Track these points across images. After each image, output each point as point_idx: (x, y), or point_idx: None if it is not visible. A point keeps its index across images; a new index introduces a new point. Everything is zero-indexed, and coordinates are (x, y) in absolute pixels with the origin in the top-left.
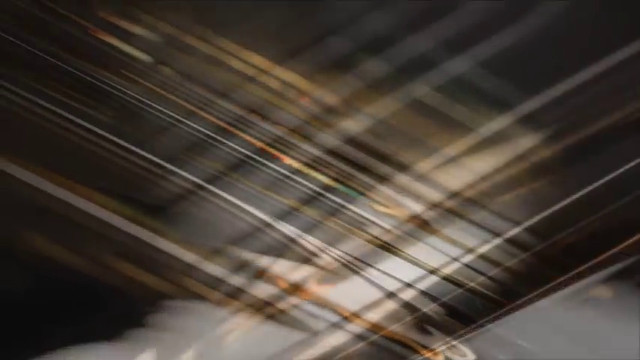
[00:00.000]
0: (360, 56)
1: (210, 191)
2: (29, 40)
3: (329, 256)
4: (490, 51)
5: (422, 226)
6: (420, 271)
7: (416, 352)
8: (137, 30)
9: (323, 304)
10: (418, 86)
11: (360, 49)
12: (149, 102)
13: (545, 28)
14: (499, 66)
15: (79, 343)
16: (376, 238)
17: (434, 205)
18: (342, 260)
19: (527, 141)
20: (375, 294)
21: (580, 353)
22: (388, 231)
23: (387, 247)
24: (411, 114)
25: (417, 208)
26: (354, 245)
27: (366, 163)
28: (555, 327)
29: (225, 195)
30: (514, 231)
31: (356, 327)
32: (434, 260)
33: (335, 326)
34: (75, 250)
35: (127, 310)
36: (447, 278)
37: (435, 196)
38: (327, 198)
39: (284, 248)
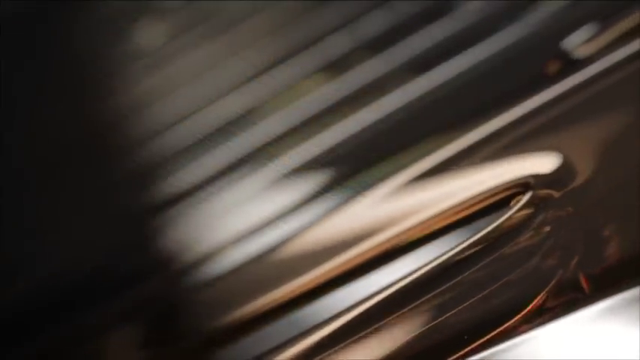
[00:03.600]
0: (360, 56)
1: (210, 191)
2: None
3: (329, 257)
4: (488, 52)
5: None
6: (419, 271)
7: None
8: (137, 29)
9: (322, 303)
10: (418, 85)
11: (360, 49)
12: (149, 101)
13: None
14: (498, 66)
15: (78, 343)
16: (377, 238)
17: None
18: (343, 260)
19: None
20: (372, 293)
21: (579, 353)
22: (388, 230)
23: (388, 247)
24: (411, 114)
25: (416, 207)
26: (354, 244)
27: (365, 163)
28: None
29: (225, 195)
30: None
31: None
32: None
33: (332, 322)
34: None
35: (127, 310)
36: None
37: (435, 195)
38: (327, 198)
39: (284, 248)
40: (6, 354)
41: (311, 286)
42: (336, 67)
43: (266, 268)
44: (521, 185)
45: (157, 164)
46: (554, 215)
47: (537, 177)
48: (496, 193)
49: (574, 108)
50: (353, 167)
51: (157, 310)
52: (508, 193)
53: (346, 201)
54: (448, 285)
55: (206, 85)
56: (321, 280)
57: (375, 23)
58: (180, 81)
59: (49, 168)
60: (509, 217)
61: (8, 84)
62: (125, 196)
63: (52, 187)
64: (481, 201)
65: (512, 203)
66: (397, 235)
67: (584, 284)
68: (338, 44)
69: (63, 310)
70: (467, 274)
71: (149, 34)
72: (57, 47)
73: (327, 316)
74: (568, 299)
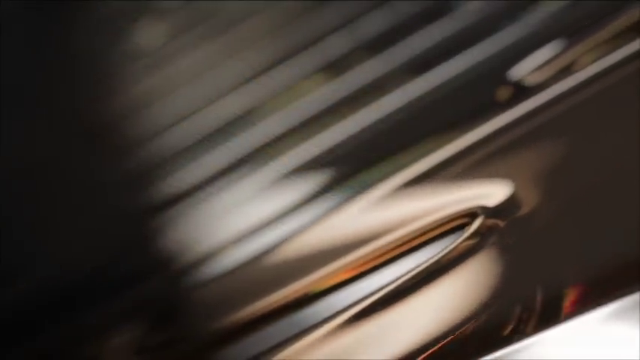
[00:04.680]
0: (360, 56)
1: (210, 191)
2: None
3: (329, 257)
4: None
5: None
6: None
7: None
8: (137, 29)
9: (322, 305)
10: (418, 86)
11: (360, 49)
12: (149, 101)
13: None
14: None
15: (78, 343)
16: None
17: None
18: (341, 260)
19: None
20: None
21: (585, 353)
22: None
23: (386, 248)
24: (409, 114)
25: (415, 206)
26: (353, 246)
27: (365, 163)
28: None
29: (224, 195)
30: None
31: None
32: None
33: (331, 320)
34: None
35: (127, 310)
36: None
37: (384, 224)
38: (326, 198)
39: (284, 249)
40: (6, 354)
41: (311, 287)
42: (336, 67)
43: (267, 268)
44: (469, 215)
45: (157, 164)
46: (500, 244)
47: (484, 207)
48: (443, 224)
49: (524, 135)
50: (352, 168)
51: (157, 310)
52: (455, 223)
53: (344, 202)
54: (392, 310)
55: (206, 86)
56: (322, 281)
57: (374, 23)
58: (180, 81)
59: (49, 168)
60: (456, 247)
61: (8, 84)
62: (125, 196)
63: (52, 187)
64: (427, 232)
65: (458, 232)
66: (332, 273)
67: (526, 311)
68: (337, 45)
69: (63, 310)
70: (411, 298)
71: (149, 34)
72: (57, 47)
73: (326, 316)
74: (511, 325)
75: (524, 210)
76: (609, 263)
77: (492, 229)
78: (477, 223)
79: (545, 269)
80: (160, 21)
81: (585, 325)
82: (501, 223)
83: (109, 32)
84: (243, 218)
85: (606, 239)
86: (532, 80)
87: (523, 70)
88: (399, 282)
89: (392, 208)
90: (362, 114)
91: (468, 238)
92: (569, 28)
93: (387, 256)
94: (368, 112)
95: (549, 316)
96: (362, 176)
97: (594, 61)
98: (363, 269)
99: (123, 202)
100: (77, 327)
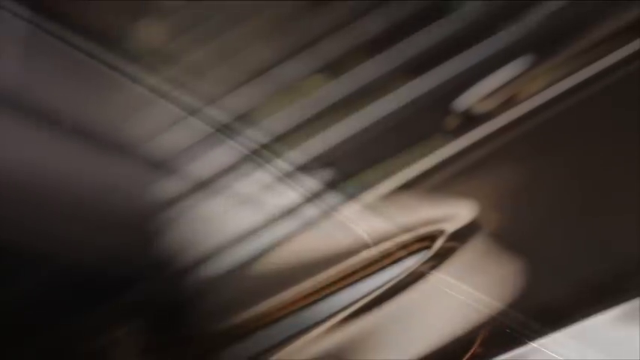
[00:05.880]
0: (359, 57)
1: (210, 191)
2: None
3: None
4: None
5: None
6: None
7: None
8: (137, 29)
9: (320, 306)
10: (415, 87)
11: (359, 50)
12: (149, 101)
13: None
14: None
15: (78, 342)
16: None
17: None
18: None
19: None
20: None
21: (583, 353)
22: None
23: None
24: (407, 115)
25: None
26: (349, 247)
27: (363, 163)
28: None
29: (224, 195)
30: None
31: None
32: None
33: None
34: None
35: (127, 310)
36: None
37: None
38: (324, 198)
39: (282, 247)
40: (6, 354)
41: (311, 289)
42: (335, 68)
43: (266, 269)
44: (429, 238)
45: (157, 164)
46: (459, 266)
47: (443, 231)
48: (404, 247)
49: (485, 158)
50: (351, 169)
51: (157, 311)
52: (415, 246)
53: (344, 202)
54: (348, 326)
55: (205, 86)
56: (320, 284)
57: (373, 24)
58: (180, 81)
59: (50, 168)
60: (415, 270)
61: (7, 84)
62: (125, 196)
63: (53, 187)
64: (389, 254)
65: (418, 254)
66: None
67: (482, 332)
68: (337, 45)
69: (63, 310)
70: (374, 313)
71: (149, 34)
72: (56, 47)
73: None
74: (470, 346)
75: (483, 233)
76: (560, 288)
77: (451, 251)
78: (436, 246)
79: (502, 291)
80: (160, 21)
81: (588, 327)
82: (460, 246)
83: (109, 32)
84: (243, 219)
85: (559, 266)
86: (479, 108)
87: (471, 98)
88: (367, 299)
89: (364, 224)
90: (360, 115)
91: (428, 260)
92: (566, 31)
93: (356, 276)
94: (366, 114)
95: (508, 339)
96: (360, 177)
97: (572, 73)
98: (316, 295)
99: (123, 203)
100: (77, 327)
